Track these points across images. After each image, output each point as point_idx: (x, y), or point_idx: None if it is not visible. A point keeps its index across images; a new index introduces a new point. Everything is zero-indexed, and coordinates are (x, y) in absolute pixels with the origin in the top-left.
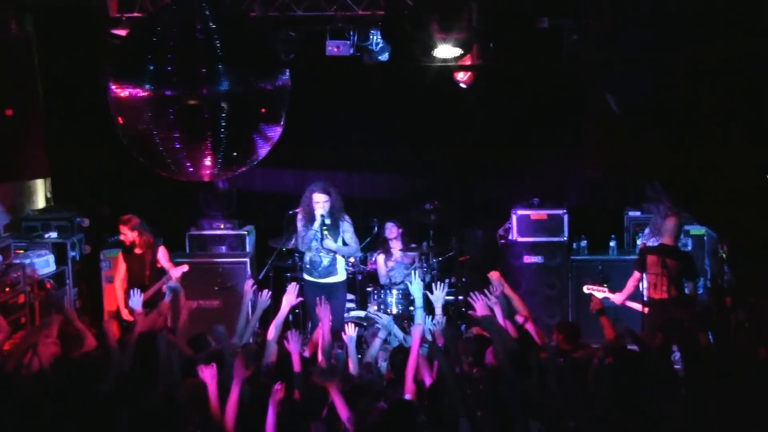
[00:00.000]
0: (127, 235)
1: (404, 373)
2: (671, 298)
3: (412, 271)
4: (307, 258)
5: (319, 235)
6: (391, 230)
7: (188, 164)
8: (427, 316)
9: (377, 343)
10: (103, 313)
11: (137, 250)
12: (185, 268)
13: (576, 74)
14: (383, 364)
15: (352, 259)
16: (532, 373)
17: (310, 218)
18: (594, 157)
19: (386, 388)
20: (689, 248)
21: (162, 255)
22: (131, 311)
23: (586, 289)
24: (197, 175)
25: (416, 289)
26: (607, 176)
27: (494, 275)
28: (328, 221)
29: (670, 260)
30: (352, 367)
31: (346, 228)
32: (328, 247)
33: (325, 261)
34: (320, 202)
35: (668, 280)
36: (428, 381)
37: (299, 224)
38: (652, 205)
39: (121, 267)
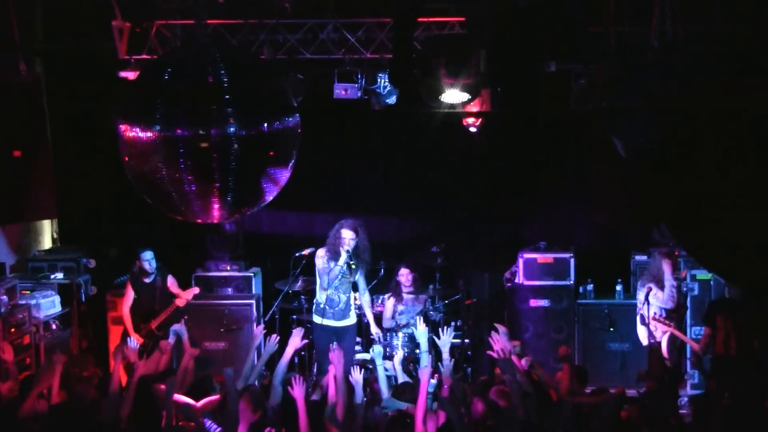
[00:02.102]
0: (150, 262)
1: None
2: None
3: (417, 316)
4: (322, 297)
5: (345, 270)
6: (406, 276)
7: (196, 206)
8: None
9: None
10: (109, 354)
11: (147, 279)
12: (196, 290)
13: (584, 118)
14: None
15: (358, 301)
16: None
17: (335, 254)
18: (601, 202)
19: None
20: (696, 293)
21: (171, 282)
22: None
23: (653, 319)
24: (205, 216)
25: (421, 333)
26: (614, 221)
27: (501, 328)
28: (334, 258)
29: None
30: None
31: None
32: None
33: (343, 300)
34: (347, 239)
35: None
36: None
37: (321, 260)
38: (654, 250)
39: (129, 294)
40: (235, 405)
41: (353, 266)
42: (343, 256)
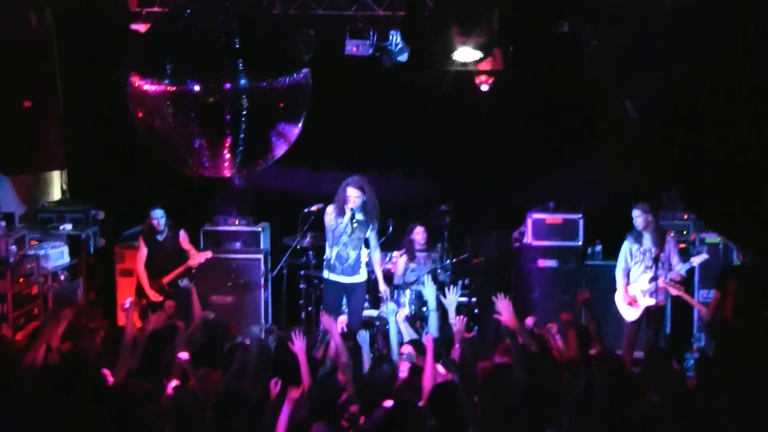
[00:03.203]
0: (159, 220)
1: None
2: None
3: (425, 274)
4: (332, 253)
5: (348, 229)
6: (422, 234)
7: (206, 160)
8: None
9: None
10: (116, 306)
11: (158, 237)
12: (208, 254)
13: (594, 79)
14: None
15: (366, 258)
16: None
17: (341, 212)
18: (610, 163)
19: (401, 389)
20: (706, 257)
21: (183, 238)
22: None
23: (662, 282)
24: (214, 171)
25: (429, 291)
26: (623, 182)
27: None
28: (359, 216)
29: None
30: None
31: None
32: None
33: (352, 257)
34: (352, 197)
35: None
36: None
37: (329, 218)
38: (668, 212)
39: (143, 250)
40: (255, 363)
41: (355, 224)
42: (348, 214)
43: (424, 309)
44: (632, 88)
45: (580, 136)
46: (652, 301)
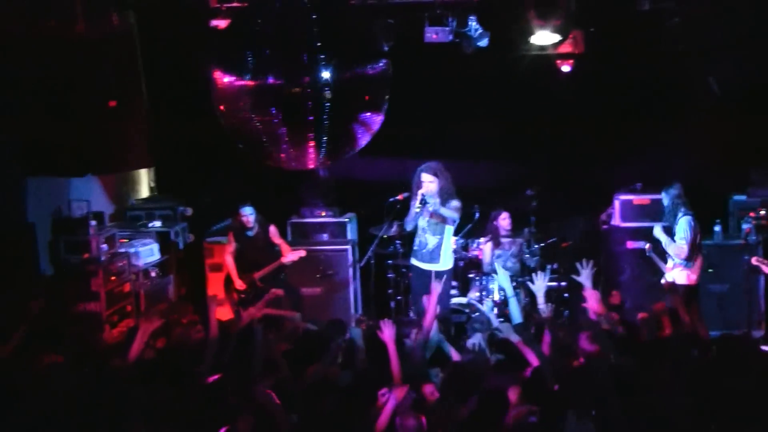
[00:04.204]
0: (249, 217)
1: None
2: None
3: (511, 259)
4: (416, 240)
5: (421, 212)
6: (508, 220)
7: (290, 153)
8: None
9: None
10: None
11: (248, 233)
12: (302, 253)
13: (677, 57)
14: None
15: (453, 246)
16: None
17: (415, 198)
18: (698, 142)
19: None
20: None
21: (273, 232)
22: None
23: (754, 261)
24: (299, 163)
25: (503, 279)
26: (710, 161)
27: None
28: (433, 200)
29: None
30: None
31: (453, 204)
32: (429, 204)
33: (431, 243)
34: (425, 182)
35: None
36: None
37: (411, 203)
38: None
39: (232, 245)
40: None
41: (429, 208)
42: (419, 199)
43: (503, 295)
44: (716, 64)
45: (664, 114)
46: None
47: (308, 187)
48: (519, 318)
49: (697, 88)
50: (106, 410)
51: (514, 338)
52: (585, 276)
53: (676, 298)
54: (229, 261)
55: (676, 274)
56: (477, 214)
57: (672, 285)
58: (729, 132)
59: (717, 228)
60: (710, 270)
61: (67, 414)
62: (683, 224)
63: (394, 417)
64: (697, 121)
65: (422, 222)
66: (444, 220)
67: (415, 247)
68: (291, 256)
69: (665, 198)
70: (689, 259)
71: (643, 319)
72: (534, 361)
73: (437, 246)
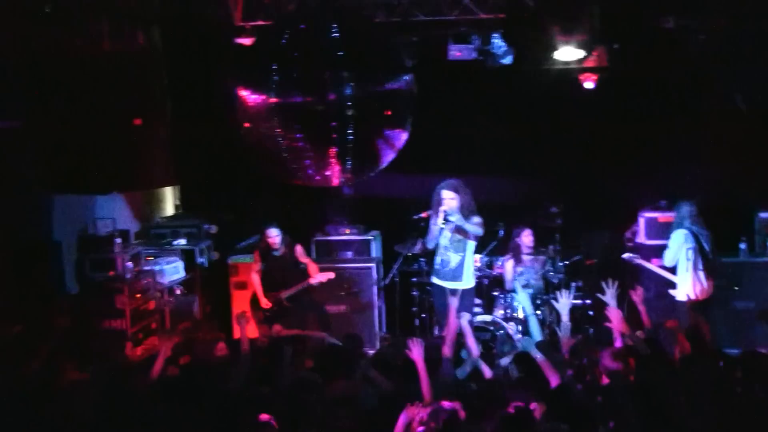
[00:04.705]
0: (275, 238)
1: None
2: None
3: (534, 276)
4: (437, 259)
5: (446, 232)
6: (529, 237)
7: (314, 171)
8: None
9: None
10: (232, 319)
11: (275, 252)
12: (331, 275)
13: (702, 73)
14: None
15: (478, 263)
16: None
17: (437, 215)
18: (724, 157)
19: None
20: None
21: (300, 252)
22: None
23: None
24: (323, 181)
25: (523, 297)
26: (737, 177)
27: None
28: (454, 218)
29: None
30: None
31: (476, 220)
32: (452, 220)
33: (453, 262)
34: (446, 199)
35: None
36: (554, 382)
37: (431, 222)
38: None
39: (258, 265)
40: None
41: (450, 226)
42: (441, 216)
43: (538, 312)
44: (742, 80)
45: (689, 130)
46: None
47: (333, 205)
48: (539, 336)
49: (722, 103)
50: (130, 427)
51: (536, 355)
52: (610, 295)
53: (697, 316)
54: (255, 279)
55: (681, 287)
56: (501, 232)
57: (692, 303)
58: (755, 147)
59: (743, 245)
60: (736, 288)
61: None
62: (672, 236)
63: None
64: (722, 137)
65: (444, 240)
66: (467, 235)
67: (436, 266)
68: (319, 277)
69: (676, 215)
70: (677, 272)
71: (665, 337)
72: (554, 380)
73: (460, 264)
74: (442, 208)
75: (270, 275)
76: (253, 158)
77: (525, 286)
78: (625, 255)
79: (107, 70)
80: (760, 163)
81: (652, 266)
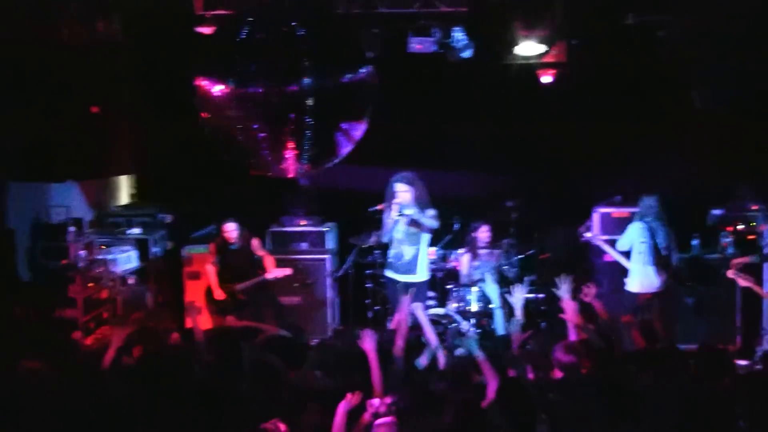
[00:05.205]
0: (232, 233)
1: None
2: None
3: (490, 271)
4: (392, 252)
5: (400, 225)
6: (486, 232)
7: (273, 161)
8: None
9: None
10: (185, 309)
11: (232, 246)
12: (288, 271)
13: (661, 69)
14: None
15: (432, 256)
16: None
17: (390, 208)
18: (679, 154)
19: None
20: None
21: (256, 245)
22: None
23: (731, 274)
24: (281, 171)
25: (491, 289)
26: (692, 174)
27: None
28: (409, 211)
29: None
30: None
31: (430, 213)
32: (407, 213)
33: (408, 255)
34: (400, 192)
35: None
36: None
37: (384, 215)
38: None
39: (213, 254)
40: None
41: (404, 220)
42: (395, 209)
43: (491, 306)
44: (700, 76)
45: (646, 127)
46: None
47: (289, 196)
48: (502, 330)
49: (680, 100)
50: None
51: (476, 354)
52: (564, 290)
53: (654, 312)
54: (210, 270)
55: (632, 279)
56: (457, 225)
57: (646, 297)
58: (711, 145)
59: (695, 242)
60: (688, 284)
61: (47, 419)
62: (630, 226)
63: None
64: (678, 134)
65: (398, 233)
66: (421, 228)
67: (390, 259)
68: (276, 272)
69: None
70: (636, 261)
71: (619, 331)
72: (492, 380)
73: (414, 257)
74: (396, 201)
75: (226, 268)
76: (212, 147)
77: (479, 281)
78: (586, 234)
79: (65, 58)
80: (714, 160)
81: (609, 249)
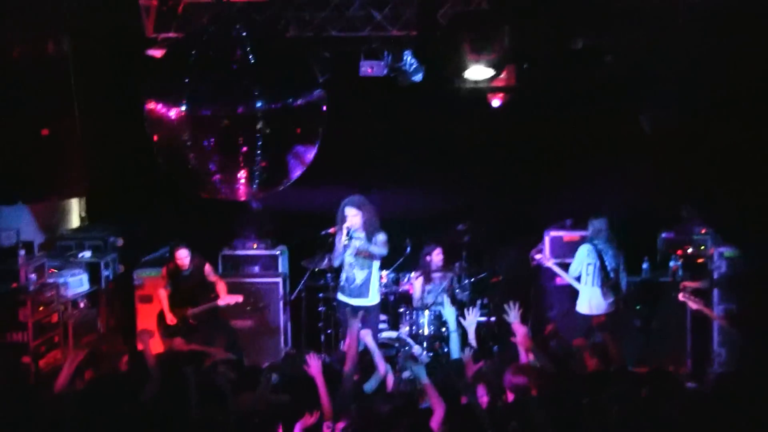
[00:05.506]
0: (184, 260)
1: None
2: None
3: (444, 294)
4: (343, 276)
5: (349, 249)
6: (439, 255)
7: (223, 184)
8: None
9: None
10: (137, 333)
11: (184, 272)
12: (239, 298)
13: (610, 93)
14: None
15: (384, 279)
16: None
17: (341, 232)
18: (629, 178)
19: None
20: (723, 270)
21: (208, 271)
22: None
23: (681, 297)
24: (232, 194)
25: (449, 312)
26: (641, 197)
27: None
28: (360, 235)
29: None
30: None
31: (380, 238)
32: (356, 246)
33: (359, 278)
34: (349, 216)
35: None
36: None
37: (336, 239)
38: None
39: (165, 279)
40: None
41: (354, 243)
42: (344, 233)
43: (443, 329)
44: (647, 102)
45: (596, 150)
46: None
47: (240, 219)
48: (458, 353)
49: (629, 124)
50: None
51: (424, 380)
52: (513, 316)
53: (605, 335)
54: (163, 295)
55: (581, 300)
56: (408, 248)
57: (597, 320)
58: (660, 168)
59: (645, 265)
60: (638, 307)
61: None
62: (579, 249)
63: None
64: (627, 158)
65: (349, 257)
66: (372, 256)
67: (342, 283)
68: (227, 299)
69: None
70: (584, 283)
71: (571, 353)
72: (438, 406)
73: (365, 281)
74: (345, 225)
75: (178, 293)
76: (163, 170)
77: (432, 305)
78: (537, 257)
79: (15, 78)
80: (663, 184)
81: (561, 271)
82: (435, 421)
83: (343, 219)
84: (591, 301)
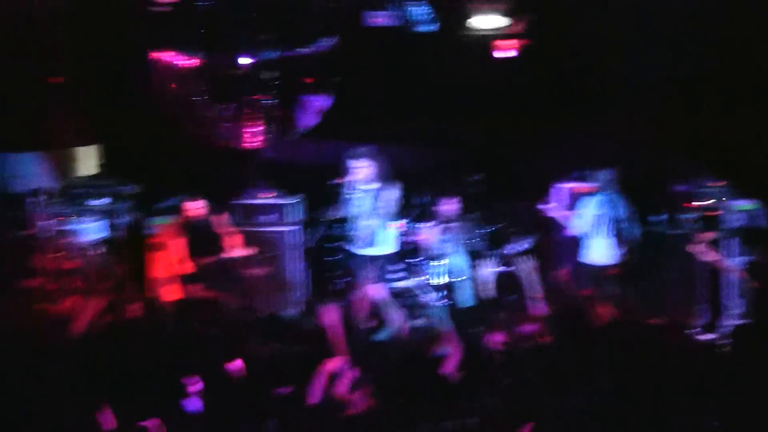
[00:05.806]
0: (198, 209)
1: None
2: None
3: (458, 244)
4: (354, 226)
5: (357, 197)
6: (453, 205)
7: (236, 133)
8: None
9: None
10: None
11: (199, 222)
12: (251, 251)
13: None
14: None
15: (398, 229)
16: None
17: (350, 183)
18: (641, 130)
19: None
20: (742, 222)
21: (222, 220)
22: None
23: (695, 248)
24: (245, 143)
25: (462, 262)
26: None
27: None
28: (368, 186)
29: None
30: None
31: (390, 190)
32: (367, 197)
33: (371, 229)
34: (356, 169)
35: None
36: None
37: (346, 189)
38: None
39: (180, 229)
40: None
41: (362, 194)
42: (355, 184)
43: (457, 279)
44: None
45: (609, 102)
46: None
47: (255, 168)
48: (470, 301)
49: (642, 78)
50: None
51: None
52: (526, 267)
53: (618, 286)
54: (176, 244)
55: (592, 252)
56: (423, 199)
57: (608, 271)
58: (671, 121)
59: (658, 217)
60: (650, 257)
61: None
62: (586, 202)
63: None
64: (640, 110)
65: (360, 208)
66: (384, 203)
67: (353, 233)
68: (239, 251)
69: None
70: (588, 236)
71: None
72: (455, 352)
73: (379, 230)
74: (354, 177)
75: (192, 242)
76: (175, 121)
77: (448, 254)
78: (547, 207)
79: (25, 27)
80: (674, 137)
81: (570, 222)
82: (450, 366)
83: (354, 170)
84: (603, 251)
